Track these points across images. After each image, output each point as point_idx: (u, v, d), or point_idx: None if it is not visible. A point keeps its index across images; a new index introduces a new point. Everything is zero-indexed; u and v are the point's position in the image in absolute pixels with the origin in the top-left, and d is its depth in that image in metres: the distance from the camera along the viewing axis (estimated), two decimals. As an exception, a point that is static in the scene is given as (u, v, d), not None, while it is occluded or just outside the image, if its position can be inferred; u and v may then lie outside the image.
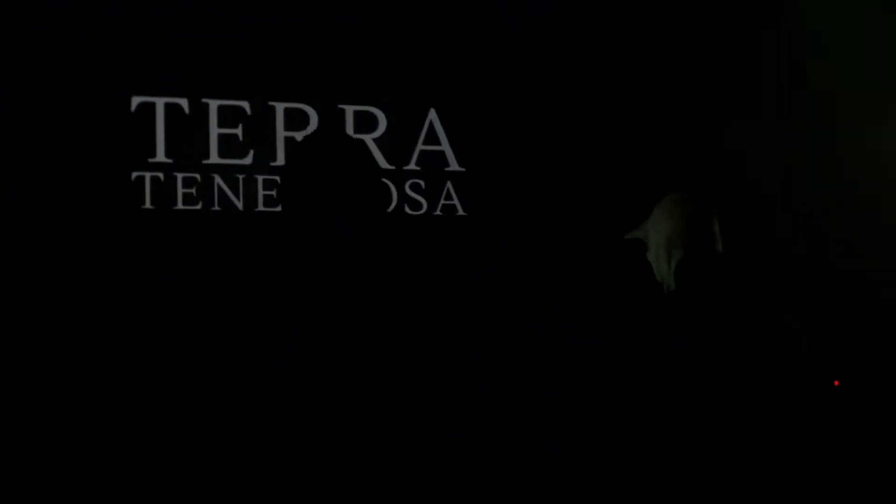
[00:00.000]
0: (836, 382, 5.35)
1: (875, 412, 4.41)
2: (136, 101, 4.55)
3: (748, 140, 5.27)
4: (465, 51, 5.06)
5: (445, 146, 4.99)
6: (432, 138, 4.98)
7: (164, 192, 4.56)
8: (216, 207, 4.65)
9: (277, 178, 4.24)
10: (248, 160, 4.72)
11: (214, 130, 4.67)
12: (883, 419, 4.34)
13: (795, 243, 5.26)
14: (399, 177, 4.90)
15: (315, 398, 2.94)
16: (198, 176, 4.63)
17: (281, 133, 4.76)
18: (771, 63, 5.44)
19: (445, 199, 4.97)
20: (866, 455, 4.02)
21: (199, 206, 4.61)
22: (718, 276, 3.75)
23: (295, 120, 4.77)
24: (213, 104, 4.68)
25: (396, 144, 4.90)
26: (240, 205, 4.68)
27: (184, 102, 4.63)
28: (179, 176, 4.60)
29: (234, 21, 4.67)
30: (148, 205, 4.53)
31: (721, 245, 3.78)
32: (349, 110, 4.88)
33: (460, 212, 4.98)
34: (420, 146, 4.96)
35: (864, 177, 5.34)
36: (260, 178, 4.71)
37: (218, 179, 4.67)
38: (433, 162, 4.96)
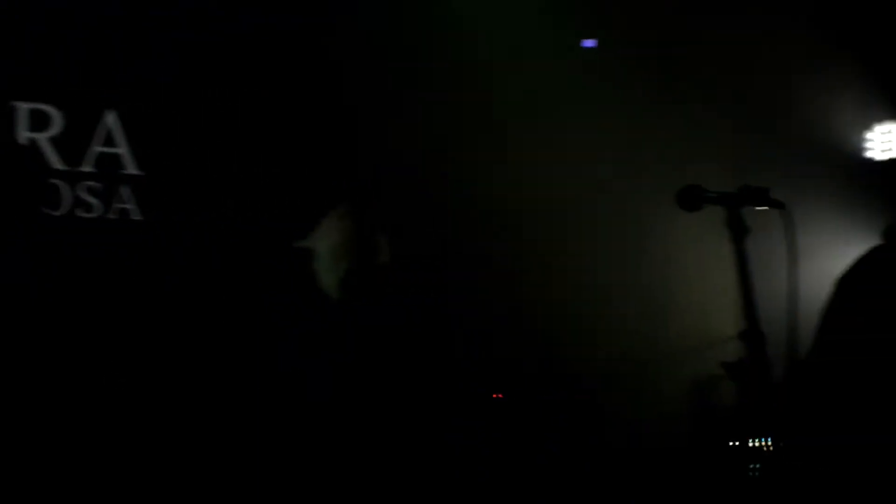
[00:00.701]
0: (497, 395, 5.76)
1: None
2: None
3: (419, 157, 5.56)
4: (145, 53, 4.98)
5: (123, 149, 4.95)
6: (109, 140, 4.93)
7: None
8: None
9: None
10: None
11: None
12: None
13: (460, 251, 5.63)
14: (73, 178, 4.83)
15: None
16: None
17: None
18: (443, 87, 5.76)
19: (120, 202, 4.91)
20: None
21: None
22: (382, 287, 3.94)
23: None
24: None
25: (71, 145, 4.80)
26: None
27: None
28: None
29: None
30: None
31: (386, 257, 3.98)
32: (22, 107, 4.77)
33: (136, 216, 4.93)
34: (96, 148, 4.91)
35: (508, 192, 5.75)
36: None
37: None
38: (109, 164, 4.90)
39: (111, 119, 4.89)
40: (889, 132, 6.03)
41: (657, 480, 5.53)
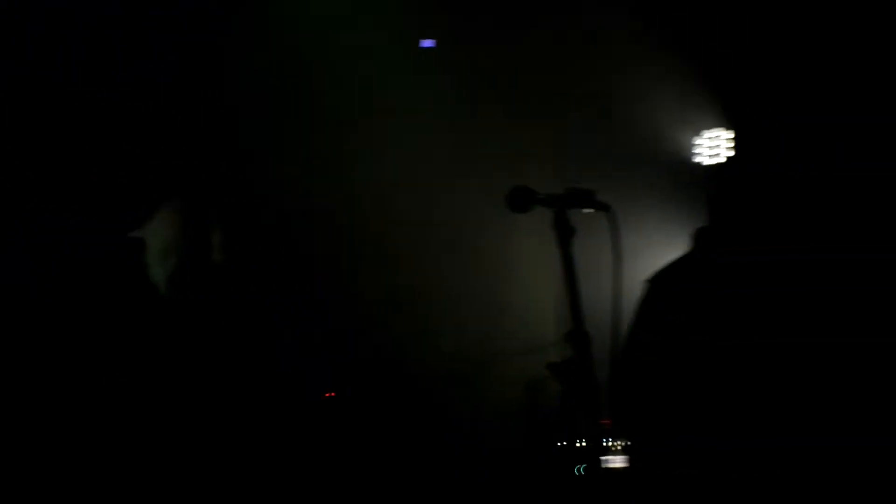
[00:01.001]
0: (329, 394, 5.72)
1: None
2: None
3: (256, 155, 5.49)
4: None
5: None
6: None
7: None
8: None
9: None
10: None
11: None
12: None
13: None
14: None
15: None
16: None
17: None
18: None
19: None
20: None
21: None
22: (215, 285, 3.83)
23: None
24: None
25: None
26: None
27: None
28: None
29: None
30: None
31: (219, 255, 3.87)
32: None
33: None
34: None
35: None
36: None
37: None
38: None
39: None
40: (716, 137, 6.22)
41: (490, 479, 5.57)
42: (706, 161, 6.22)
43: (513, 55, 6.10)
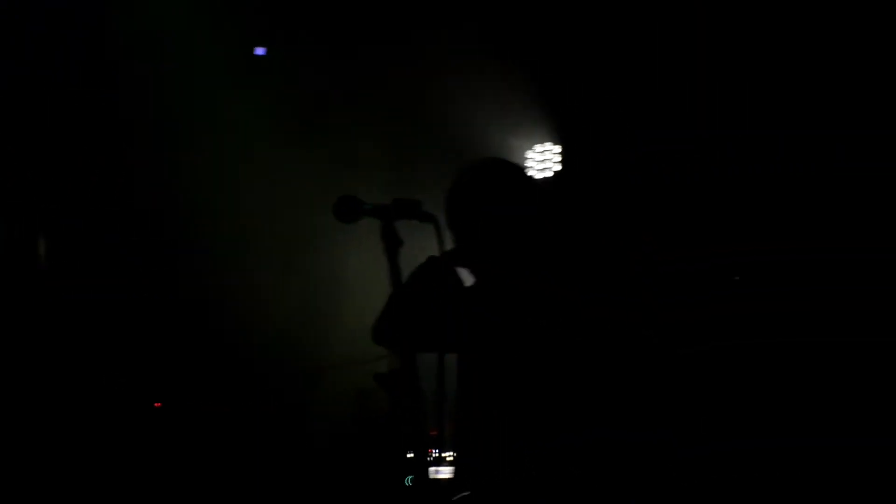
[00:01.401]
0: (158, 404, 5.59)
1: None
2: None
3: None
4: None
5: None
6: None
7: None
8: None
9: None
10: None
11: None
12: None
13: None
14: None
15: None
16: None
17: None
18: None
19: None
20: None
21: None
22: (37, 292, 3.75)
23: None
24: None
25: None
26: None
27: None
28: None
29: None
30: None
31: (44, 262, 3.78)
32: None
33: None
34: None
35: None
36: None
37: None
38: None
39: None
40: (546, 151, 6.35)
41: (321, 487, 5.55)
42: (537, 174, 6.34)
43: (346, 69, 6.11)
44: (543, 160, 6.34)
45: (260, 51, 6.13)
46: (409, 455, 3.04)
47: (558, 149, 6.33)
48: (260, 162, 5.93)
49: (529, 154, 6.40)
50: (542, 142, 6.37)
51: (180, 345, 5.72)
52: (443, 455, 4.46)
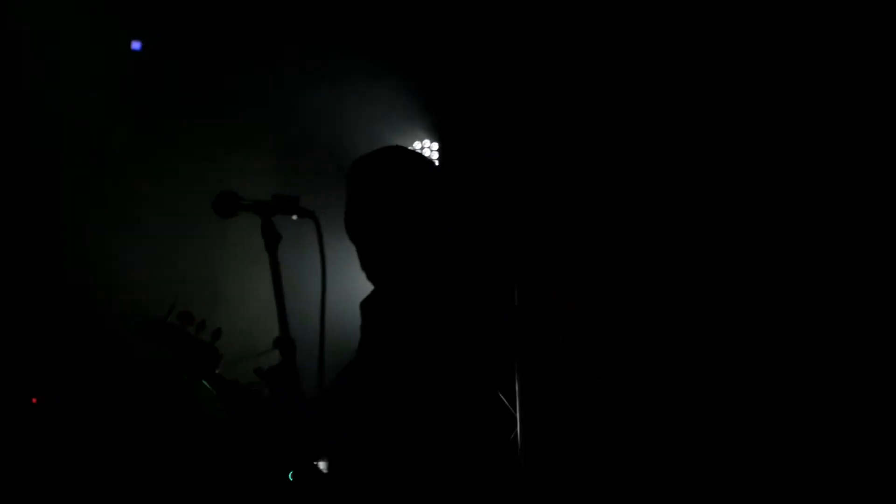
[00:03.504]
0: (34, 399, 5.48)
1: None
2: None
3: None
4: None
5: None
6: None
7: None
8: None
9: None
10: None
11: None
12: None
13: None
14: None
15: None
16: None
17: None
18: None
19: None
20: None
21: None
22: None
23: None
24: None
25: None
26: None
27: None
28: None
29: None
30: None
31: None
32: None
33: None
34: None
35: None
36: None
37: None
38: None
39: None
40: (423, 149, 6.40)
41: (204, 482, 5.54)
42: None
43: (224, 58, 6.09)
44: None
45: (136, 45, 6.07)
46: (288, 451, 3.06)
47: (437, 146, 6.39)
48: (139, 154, 5.88)
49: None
50: (421, 139, 6.42)
51: (60, 341, 5.64)
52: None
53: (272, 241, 2.84)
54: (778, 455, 4.00)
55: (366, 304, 3.24)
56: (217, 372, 3.08)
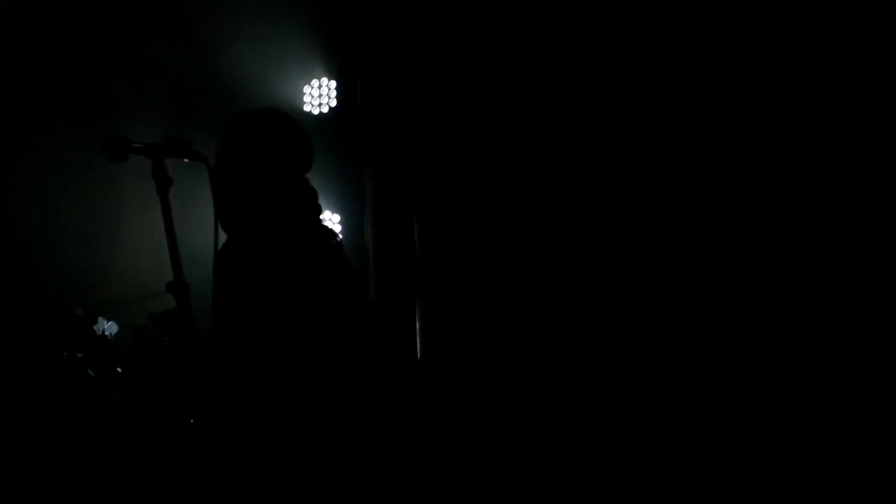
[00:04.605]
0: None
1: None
2: None
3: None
4: None
5: None
6: None
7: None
8: None
9: None
10: None
11: None
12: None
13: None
14: None
15: None
16: None
17: None
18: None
19: None
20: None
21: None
22: None
23: None
24: None
25: None
26: None
27: None
28: None
29: None
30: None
31: None
32: None
33: None
34: None
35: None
36: None
37: None
38: None
39: None
40: (323, 87, 6.34)
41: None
42: (314, 110, 6.32)
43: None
44: (320, 95, 6.34)
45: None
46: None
47: (334, 84, 6.33)
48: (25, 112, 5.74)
49: (306, 89, 6.38)
50: (318, 77, 6.35)
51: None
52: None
53: (164, 184, 2.80)
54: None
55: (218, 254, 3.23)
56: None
